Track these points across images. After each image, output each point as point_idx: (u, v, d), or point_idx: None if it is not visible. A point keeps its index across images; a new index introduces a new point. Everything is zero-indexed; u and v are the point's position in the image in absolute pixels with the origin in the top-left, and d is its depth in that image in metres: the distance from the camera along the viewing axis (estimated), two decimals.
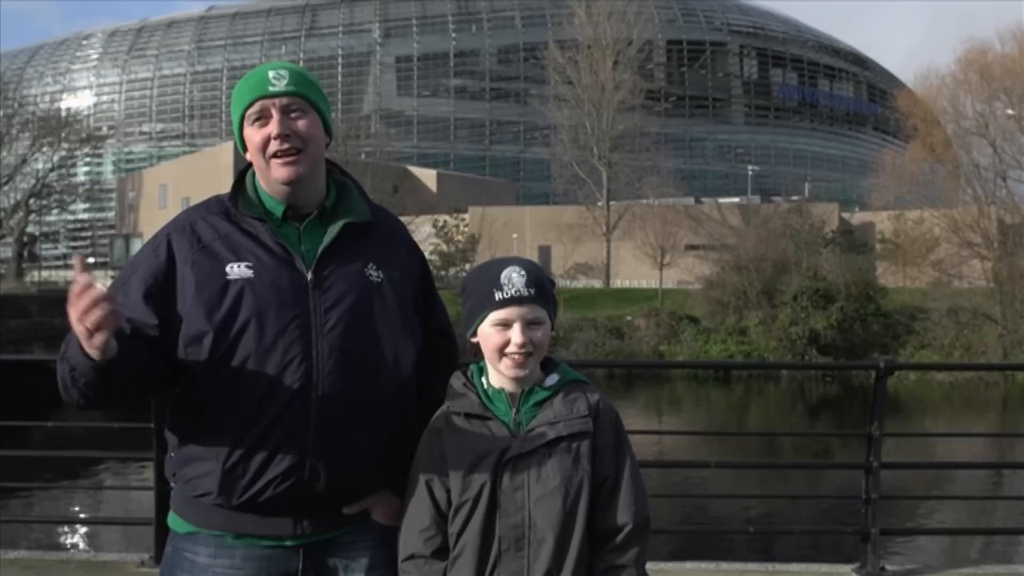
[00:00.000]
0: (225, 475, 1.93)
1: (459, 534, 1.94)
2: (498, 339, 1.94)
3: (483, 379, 2.01)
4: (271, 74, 2.00)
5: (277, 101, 1.98)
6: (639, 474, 1.99)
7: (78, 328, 1.69)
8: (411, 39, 77.80)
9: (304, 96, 2.01)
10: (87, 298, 1.66)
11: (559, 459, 1.92)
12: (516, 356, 1.93)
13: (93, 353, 1.71)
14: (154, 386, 2.00)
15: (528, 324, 1.94)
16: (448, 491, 1.95)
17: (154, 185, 64.35)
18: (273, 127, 1.97)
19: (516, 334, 1.93)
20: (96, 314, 1.66)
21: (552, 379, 2.00)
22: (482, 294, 1.96)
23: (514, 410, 1.96)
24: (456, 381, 2.03)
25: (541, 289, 1.96)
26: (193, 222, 2.02)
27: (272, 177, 2.00)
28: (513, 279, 1.94)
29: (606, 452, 1.96)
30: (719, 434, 21.68)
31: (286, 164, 1.98)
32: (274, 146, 1.97)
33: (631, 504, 1.95)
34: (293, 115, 1.99)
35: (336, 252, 2.02)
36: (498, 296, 1.93)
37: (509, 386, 1.98)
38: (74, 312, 1.67)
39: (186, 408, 1.98)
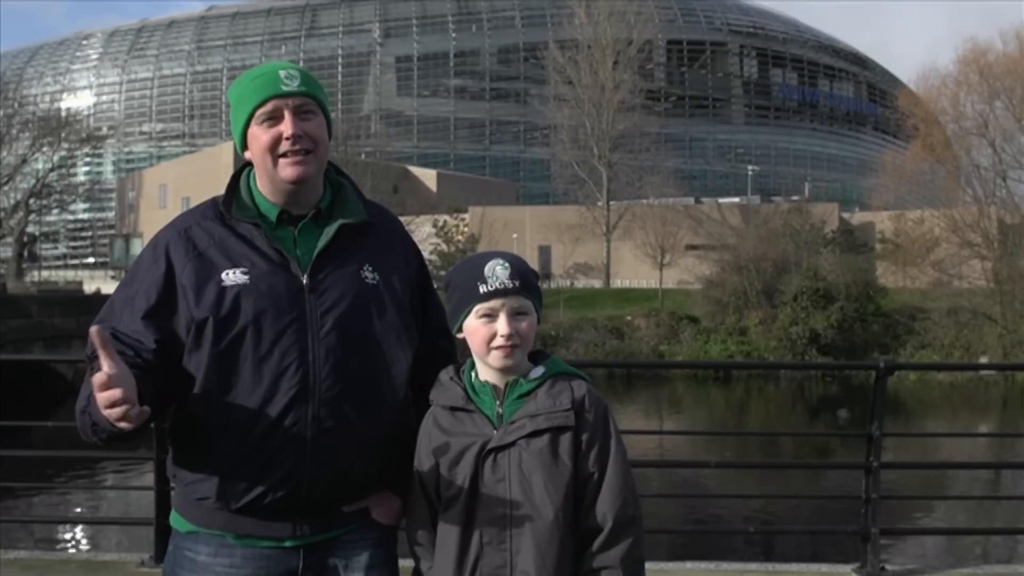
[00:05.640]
0: (223, 481, 1.93)
1: (444, 525, 1.94)
2: (484, 332, 1.94)
3: (472, 372, 2.01)
4: (282, 73, 1.97)
5: (290, 101, 1.96)
6: (627, 472, 1.94)
7: (107, 413, 1.70)
8: (411, 39, 77.75)
9: (314, 97, 2.00)
10: (106, 398, 1.67)
11: (539, 452, 1.90)
12: (503, 347, 1.93)
13: (120, 426, 1.73)
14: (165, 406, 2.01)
15: (514, 314, 1.94)
16: (438, 486, 1.96)
17: (154, 185, 64.36)
18: (287, 127, 1.95)
19: (502, 324, 1.92)
20: (117, 410, 1.68)
21: (537, 371, 1.98)
22: (467, 287, 1.96)
23: (498, 403, 1.95)
24: (444, 375, 2.03)
25: (525, 281, 1.96)
26: (188, 228, 2.01)
27: (280, 177, 1.97)
28: (497, 272, 1.94)
29: (590, 448, 1.92)
30: (719, 434, 21.69)
31: (295, 164, 1.96)
32: (285, 146, 1.95)
33: (612, 503, 1.90)
34: (304, 116, 1.98)
35: (332, 255, 2.00)
36: (483, 289, 1.93)
37: (495, 379, 1.97)
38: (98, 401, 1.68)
39: (184, 413, 1.97)
